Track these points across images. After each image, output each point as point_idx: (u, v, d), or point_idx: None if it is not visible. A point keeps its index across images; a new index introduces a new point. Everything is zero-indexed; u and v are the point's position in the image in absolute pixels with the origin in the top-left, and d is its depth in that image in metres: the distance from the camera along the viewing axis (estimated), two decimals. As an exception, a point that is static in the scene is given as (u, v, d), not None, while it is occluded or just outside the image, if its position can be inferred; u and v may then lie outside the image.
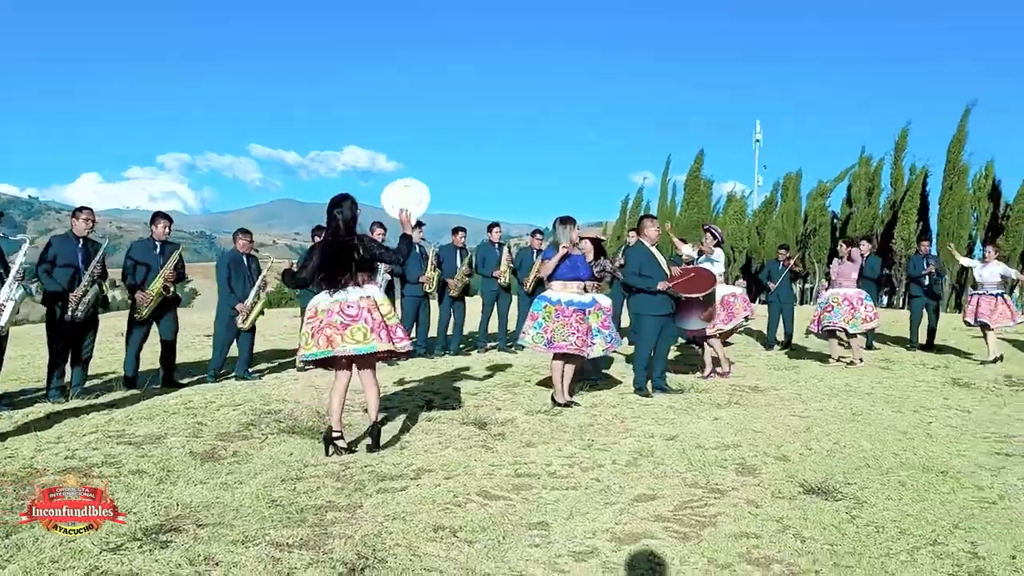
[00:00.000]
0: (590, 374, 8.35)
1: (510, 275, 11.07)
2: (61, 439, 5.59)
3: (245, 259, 8.71)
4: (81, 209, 7.48)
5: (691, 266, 8.81)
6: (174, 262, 7.95)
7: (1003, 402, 7.65)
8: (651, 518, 4.08)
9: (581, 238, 6.51)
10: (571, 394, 7.29)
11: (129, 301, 7.98)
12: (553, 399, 7.11)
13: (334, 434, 5.34)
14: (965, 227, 22.49)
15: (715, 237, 8.75)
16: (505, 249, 11.26)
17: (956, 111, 22.63)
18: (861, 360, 10.13)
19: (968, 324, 11.19)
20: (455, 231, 11.22)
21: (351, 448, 5.40)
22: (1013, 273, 10.79)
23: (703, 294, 7.93)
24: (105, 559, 3.35)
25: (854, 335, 10.18)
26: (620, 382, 8.46)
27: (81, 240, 7.33)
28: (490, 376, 8.55)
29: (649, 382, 7.87)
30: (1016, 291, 10.43)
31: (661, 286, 7.71)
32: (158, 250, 7.96)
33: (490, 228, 11.47)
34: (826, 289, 10.85)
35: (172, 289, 8.00)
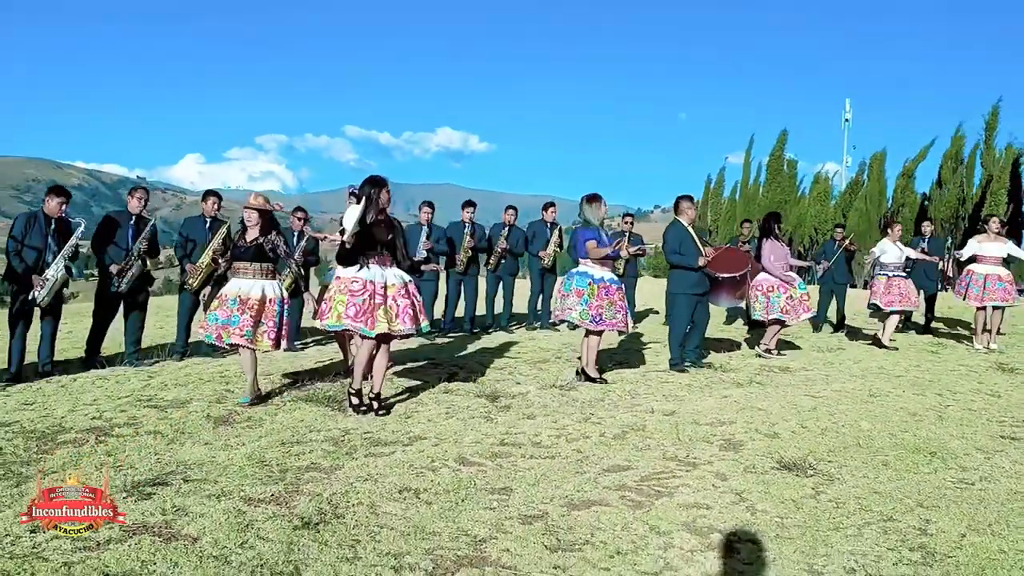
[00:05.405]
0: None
1: (555, 256, 11.26)
2: (96, 402, 6.03)
3: (208, 222, 8.51)
4: (209, 193, 8.52)
5: (725, 246, 8.80)
6: (221, 237, 8.28)
7: (1043, 388, 7.44)
8: (613, 487, 4.22)
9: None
10: (600, 371, 7.42)
11: (180, 273, 8.45)
12: (585, 373, 7.23)
13: (351, 390, 5.90)
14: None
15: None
16: (556, 230, 11.35)
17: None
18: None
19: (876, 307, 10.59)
20: (546, 206, 11.62)
21: (370, 407, 5.83)
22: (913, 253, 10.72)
23: (739, 273, 7.98)
24: (90, 507, 3.68)
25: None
26: (646, 360, 8.56)
27: (133, 217, 7.79)
28: (522, 353, 8.70)
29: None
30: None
31: (700, 262, 7.80)
32: (207, 225, 8.38)
33: (545, 207, 11.58)
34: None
35: (220, 262, 8.39)
